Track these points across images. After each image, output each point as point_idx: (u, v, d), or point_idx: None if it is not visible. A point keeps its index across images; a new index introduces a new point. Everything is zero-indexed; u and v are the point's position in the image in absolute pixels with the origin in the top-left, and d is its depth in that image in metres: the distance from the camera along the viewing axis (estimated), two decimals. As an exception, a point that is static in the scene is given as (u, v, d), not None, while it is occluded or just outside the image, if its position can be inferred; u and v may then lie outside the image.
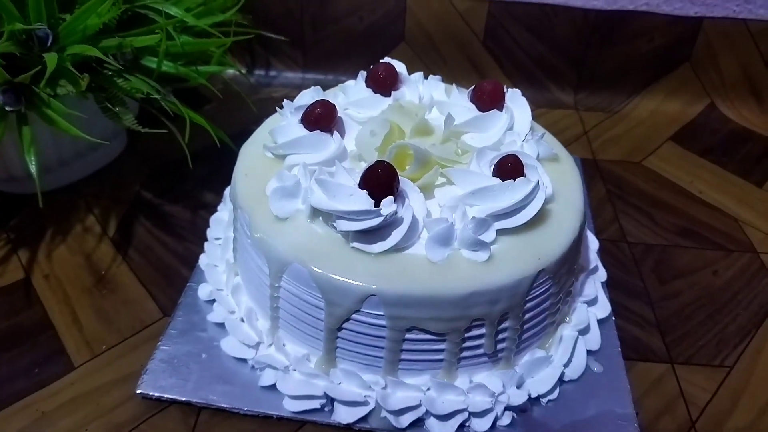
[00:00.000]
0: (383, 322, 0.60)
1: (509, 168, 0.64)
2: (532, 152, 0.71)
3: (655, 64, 1.18)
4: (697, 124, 1.18)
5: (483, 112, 0.75)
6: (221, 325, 0.71)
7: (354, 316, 0.61)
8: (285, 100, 0.74)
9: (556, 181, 0.69)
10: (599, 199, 0.99)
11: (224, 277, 0.75)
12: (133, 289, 0.79)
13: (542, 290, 0.64)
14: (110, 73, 0.78)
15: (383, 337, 0.61)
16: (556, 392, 0.68)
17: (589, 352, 0.72)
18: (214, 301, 0.73)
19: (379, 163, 0.61)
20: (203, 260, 0.78)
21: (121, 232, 0.87)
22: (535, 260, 0.62)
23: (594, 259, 0.80)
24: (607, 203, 0.98)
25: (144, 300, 0.77)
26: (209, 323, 0.72)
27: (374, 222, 0.59)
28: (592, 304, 0.76)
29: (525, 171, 0.65)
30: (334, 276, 0.59)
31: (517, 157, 0.65)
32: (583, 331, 0.73)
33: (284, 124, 0.72)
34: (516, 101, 0.77)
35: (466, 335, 0.62)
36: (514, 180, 0.63)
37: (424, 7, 1.16)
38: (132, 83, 0.76)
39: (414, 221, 0.61)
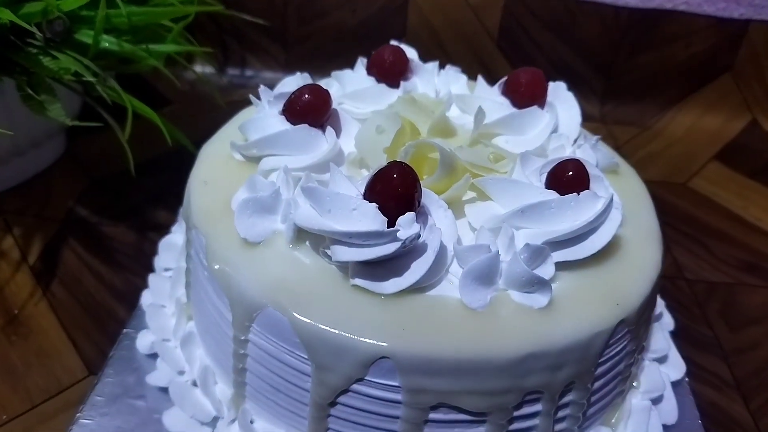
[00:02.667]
0: (398, 397, 0.41)
1: (570, 178, 0.47)
2: (589, 159, 0.54)
3: (692, 73, 1.03)
4: (740, 142, 1.02)
5: (519, 108, 0.58)
6: (165, 391, 0.51)
7: (354, 386, 0.41)
8: (262, 86, 0.55)
9: (623, 199, 0.52)
10: (644, 226, 0.81)
11: (173, 321, 0.55)
12: (51, 335, 0.59)
13: (619, 348, 0.46)
14: (34, 50, 0.59)
15: (397, 417, 0.42)
16: (628, 487, 0.49)
17: (664, 426, 0.54)
18: (157, 355, 0.54)
19: (394, 165, 0.42)
20: (146, 298, 0.58)
21: (44, 258, 0.67)
22: (612, 306, 0.44)
23: (658, 303, 0.62)
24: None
25: (65, 351, 0.58)
26: (149, 387, 0.52)
27: (387, 249, 0.40)
28: (662, 361, 0.58)
29: (590, 183, 0.47)
30: (326, 328, 0.40)
31: (579, 162, 0.47)
32: (657, 400, 0.54)
33: (260, 115, 0.53)
34: (561, 96, 0.61)
35: (515, 414, 0.43)
36: (578, 194, 0.46)
37: (430, 0, 1.00)
38: (60, 62, 0.57)
39: (442, 249, 0.43)
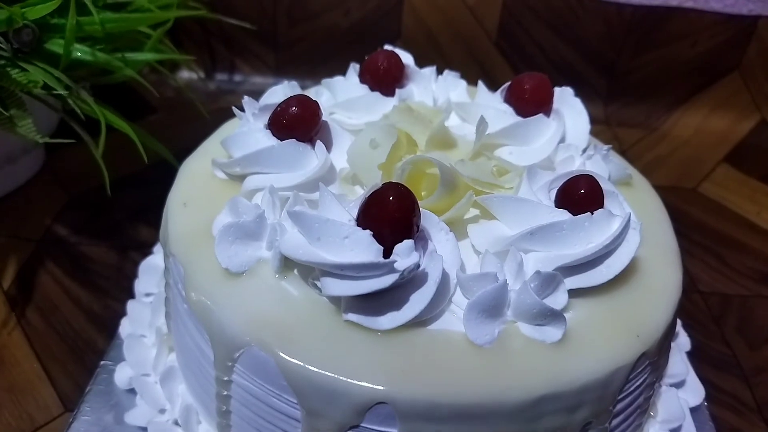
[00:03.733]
0: (397, 444, 0.37)
1: (582, 195, 0.43)
2: (601, 172, 0.50)
3: (698, 72, 0.99)
4: (749, 143, 0.98)
5: (524, 117, 0.54)
6: (146, 430, 0.47)
7: (349, 433, 0.37)
8: (246, 97, 0.51)
9: (638, 214, 0.48)
10: (654, 235, 0.78)
11: (153, 353, 0.51)
12: (25, 368, 0.55)
13: (639, 381, 0.42)
14: (1, 61, 0.55)
15: (396, 465, 0.38)
16: None
17: (684, 459, 0.50)
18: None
19: (389, 187, 0.38)
20: (125, 328, 0.54)
21: (19, 282, 0.63)
22: (632, 338, 0.40)
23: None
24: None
25: (39, 385, 0.54)
26: (129, 426, 0.48)
27: (383, 282, 0.36)
28: (680, 386, 0.54)
29: (605, 201, 0.43)
30: (316, 370, 0.36)
31: (592, 178, 0.43)
32: (675, 430, 0.50)
33: (243, 130, 0.49)
34: (567, 103, 0.57)
35: (527, 459, 0.39)
36: (592, 213, 0.42)
37: (425, 0, 0.95)
38: (30, 74, 0.53)
39: (444, 278, 0.39)
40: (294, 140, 0.47)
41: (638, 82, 1.00)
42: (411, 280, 0.38)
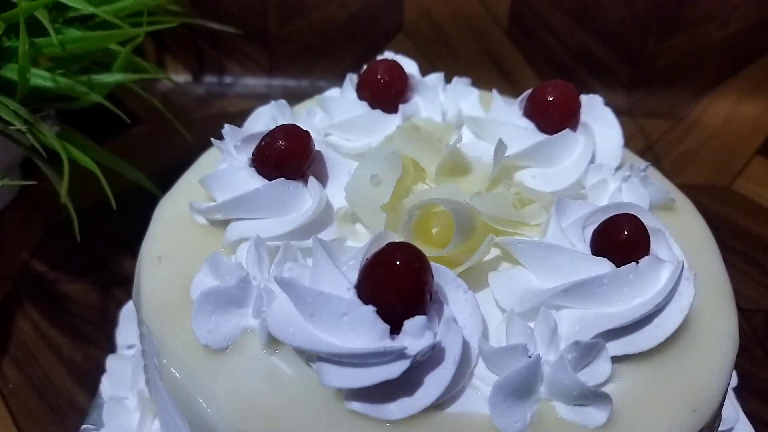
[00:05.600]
0: None
1: (625, 239, 0.36)
2: (641, 199, 0.43)
3: (728, 55, 0.92)
4: (785, 131, 0.91)
5: (547, 133, 0.47)
6: None
7: None
8: (227, 125, 0.44)
9: (684, 246, 0.41)
10: (687, 244, 0.71)
11: (137, 419, 0.45)
12: (-1, 432, 0.49)
13: (694, 459, 0.36)
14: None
15: None
16: None
17: None
18: (120, 463, 0.44)
19: (395, 250, 0.32)
20: (105, 388, 0.48)
21: (-6, 329, 0.57)
22: (687, 413, 0.34)
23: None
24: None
25: (13, 455, 0.48)
26: (111, 506, 0.43)
27: (392, 372, 0.30)
28: (729, 431, 0.48)
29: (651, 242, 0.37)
30: (316, 471, 0.30)
31: (635, 218, 0.37)
32: (730, 489, 0.44)
33: (225, 167, 0.43)
34: (596, 113, 0.50)
35: None
36: (638, 262, 0.35)
37: (428, -12, 0.88)
38: (-18, 106, 0.47)
39: (465, 351, 0.33)
40: (283, 179, 0.40)
41: (663, 68, 0.92)
42: (426, 359, 0.32)
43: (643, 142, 0.86)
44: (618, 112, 0.95)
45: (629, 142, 0.86)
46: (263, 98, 0.91)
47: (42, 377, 0.53)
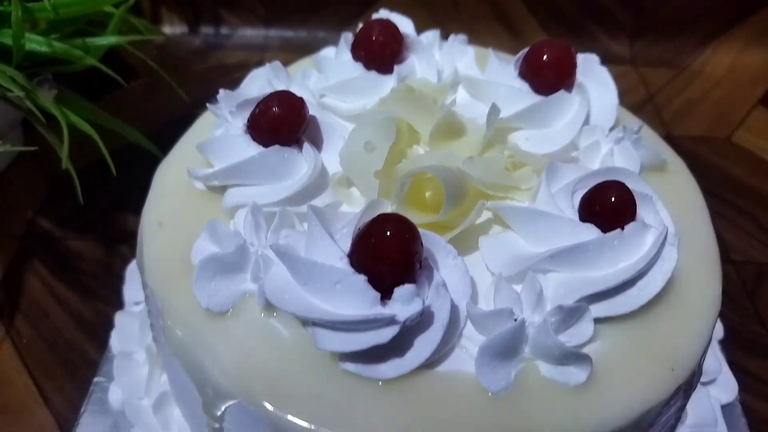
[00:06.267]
0: (405, 500, 0.34)
1: (612, 205, 0.37)
2: (631, 162, 0.44)
3: (733, 4, 0.89)
4: (788, 81, 0.90)
5: (542, 94, 0.47)
6: (143, 458, 0.45)
7: (353, 489, 0.34)
8: (221, 90, 0.45)
9: (673, 212, 0.42)
10: (683, 197, 0.72)
11: (145, 372, 0.48)
12: (18, 386, 0.52)
13: (671, 411, 0.38)
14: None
15: None
16: None
17: (715, 464, 0.47)
18: (132, 413, 0.47)
19: (386, 221, 0.33)
20: (115, 342, 0.51)
21: (6, 287, 0.59)
22: (666, 373, 0.36)
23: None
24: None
25: (33, 405, 0.51)
26: (125, 453, 0.46)
27: (382, 336, 0.32)
28: (711, 382, 0.50)
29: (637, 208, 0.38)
30: (310, 426, 0.33)
31: (622, 185, 0.37)
32: (707, 434, 0.47)
33: (221, 133, 0.43)
34: (592, 73, 0.50)
35: (547, 502, 0.36)
36: (623, 229, 0.36)
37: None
38: (-22, 71, 0.47)
39: (453, 314, 0.34)
40: (278, 146, 0.41)
41: (667, 15, 0.90)
42: (416, 323, 0.33)
43: (644, 93, 0.85)
44: (620, 62, 0.94)
45: (630, 93, 0.86)
46: (260, 49, 0.91)
47: (54, 332, 0.56)
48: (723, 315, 0.57)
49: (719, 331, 0.55)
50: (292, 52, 0.90)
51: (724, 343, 0.55)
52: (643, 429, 0.35)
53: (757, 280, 0.64)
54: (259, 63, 0.87)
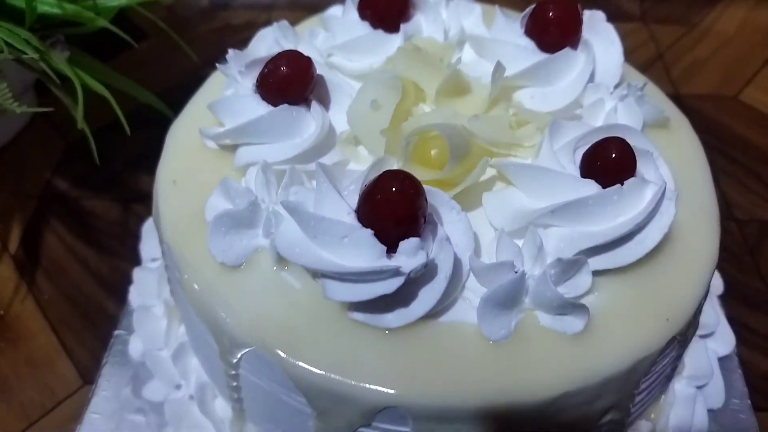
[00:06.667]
0: (411, 440, 0.36)
1: (612, 162, 0.38)
2: (634, 119, 0.44)
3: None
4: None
5: (547, 52, 0.47)
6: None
7: (362, 430, 0.36)
8: (230, 50, 0.46)
9: (674, 168, 0.43)
10: (689, 156, 0.72)
11: (164, 324, 0.50)
12: (41, 339, 0.55)
13: (666, 361, 0.40)
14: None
15: (411, 456, 0.38)
16: (669, 486, 0.45)
17: (709, 411, 0.49)
18: (152, 363, 0.49)
19: (391, 177, 0.34)
20: (134, 297, 0.53)
21: (25, 245, 0.61)
22: (660, 323, 0.37)
23: (707, 264, 0.55)
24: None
25: (56, 358, 0.54)
26: (147, 401, 0.48)
27: (388, 287, 0.33)
28: (709, 335, 0.52)
29: (637, 163, 0.39)
30: (320, 372, 0.35)
31: (623, 141, 0.38)
32: (703, 384, 0.49)
33: (231, 93, 0.44)
34: (598, 30, 0.50)
35: (546, 444, 0.38)
36: (622, 184, 0.37)
37: None
38: (-8, 34, 0.48)
39: (456, 265, 0.36)
40: (286, 105, 0.42)
41: (678, -30, 0.88)
42: (420, 275, 0.35)
43: (653, 50, 0.85)
44: (630, 19, 0.93)
45: (639, 51, 0.86)
46: (267, 9, 0.91)
47: (73, 288, 0.58)
48: (724, 271, 0.58)
49: (719, 286, 0.56)
50: (299, 11, 0.90)
51: (724, 298, 0.56)
52: (638, 377, 0.37)
53: (759, 237, 0.64)
54: (267, 23, 0.87)
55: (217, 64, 0.46)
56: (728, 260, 0.62)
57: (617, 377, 0.36)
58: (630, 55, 0.89)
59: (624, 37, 0.94)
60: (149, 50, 0.82)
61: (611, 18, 0.87)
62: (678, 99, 0.78)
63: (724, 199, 0.68)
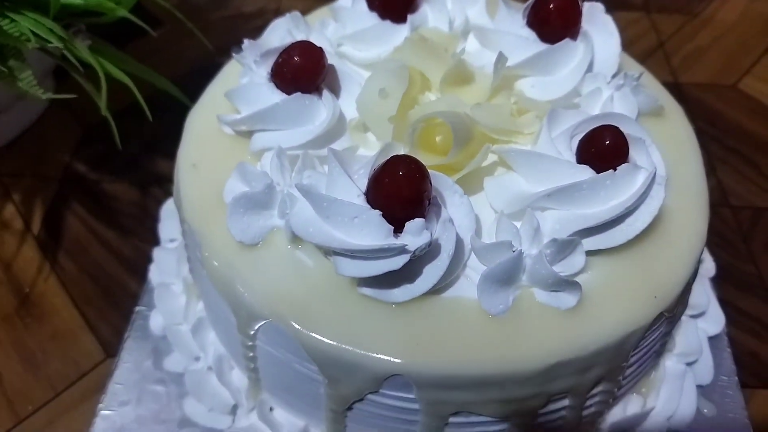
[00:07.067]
0: (415, 406, 0.39)
1: (606, 148, 0.40)
2: (629, 108, 0.47)
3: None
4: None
5: (548, 43, 0.49)
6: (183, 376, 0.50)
7: (369, 396, 0.39)
8: (246, 41, 0.48)
9: (666, 154, 0.45)
10: (686, 143, 0.74)
11: (183, 301, 0.53)
12: (65, 316, 0.58)
13: (655, 335, 0.42)
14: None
15: (416, 421, 0.41)
16: (658, 455, 0.48)
17: (698, 387, 0.51)
18: (171, 337, 0.52)
19: (398, 162, 0.37)
20: (154, 275, 0.56)
21: (47, 226, 0.64)
22: (649, 300, 0.40)
23: (699, 247, 0.58)
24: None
25: (80, 333, 0.57)
26: (168, 372, 0.51)
27: (395, 264, 0.36)
28: (700, 315, 0.54)
29: (630, 150, 0.41)
30: (332, 343, 0.37)
31: (617, 129, 0.41)
32: (693, 361, 0.51)
33: (246, 81, 0.47)
34: (597, 21, 0.51)
35: (540, 412, 0.41)
36: (615, 170, 0.39)
37: None
38: (19, 25, 0.50)
39: (459, 245, 0.38)
40: (299, 93, 0.44)
41: (681, -41, 0.90)
42: (424, 253, 0.37)
43: (654, 40, 0.86)
44: (633, 8, 0.94)
45: (641, 40, 0.87)
46: (277, -3, 0.92)
47: (95, 267, 0.61)
48: (717, 255, 0.61)
49: (711, 269, 0.58)
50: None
51: (717, 281, 0.59)
52: (627, 350, 0.40)
53: (752, 223, 0.67)
54: (277, 10, 0.89)
55: (233, 54, 0.48)
56: (722, 245, 0.64)
57: (607, 350, 0.38)
58: (632, 45, 0.91)
59: (626, 27, 0.96)
60: (163, 37, 0.85)
61: (614, 8, 0.90)
62: (677, 87, 0.81)
63: (720, 187, 0.70)
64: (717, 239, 0.65)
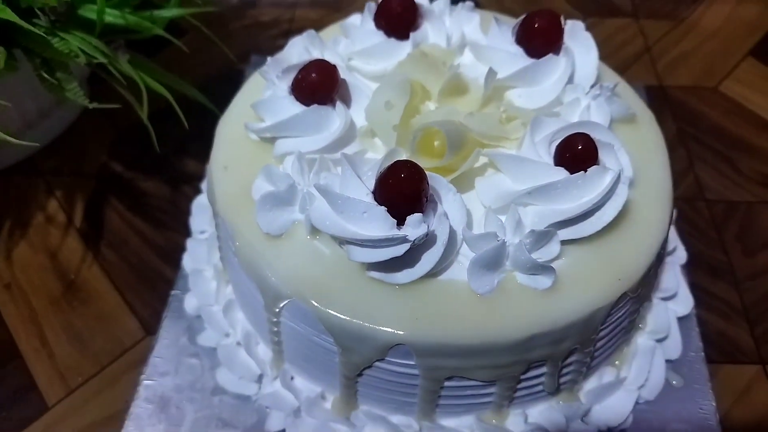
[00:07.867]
0: (415, 371, 0.46)
1: (578, 153, 0.47)
2: (603, 116, 0.53)
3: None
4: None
5: (534, 57, 0.56)
6: (216, 349, 0.58)
7: (377, 363, 0.47)
8: (269, 58, 0.55)
9: (635, 157, 0.52)
10: (669, 142, 0.80)
11: (214, 285, 0.60)
12: (108, 299, 0.65)
13: (621, 313, 0.49)
14: (41, 30, 0.59)
15: (416, 385, 0.48)
16: (630, 419, 0.55)
17: (667, 361, 0.58)
18: (204, 316, 0.60)
19: (401, 166, 0.44)
20: (187, 262, 0.63)
21: (88, 219, 0.72)
22: (614, 281, 0.46)
23: (672, 237, 0.64)
24: (680, 147, 0.80)
25: (122, 314, 0.64)
26: (201, 346, 0.59)
27: (398, 251, 0.43)
28: (671, 298, 0.61)
29: (599, 154, 0.48)
30: (345, 317, 0.45)
31: (587, 136, 0.47)
32: (662, 338, 0.58)
33: (270, 94, 0.54)
34: (577, 39, 0.58)
35: (522, 377, 0.48)
36: (586, 171, 0.46)
37: None
38: (68, 43, 0.58)
39: (452, 235, 0.45)
40: (316, 105, 0.51)
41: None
42: (422, 242, 0.44)
43: (641, 44, 0.92)
44: (622, 14, 1.00)
45: (628, 45, 0.93)
46: (291, 6, 0.99)
47: (134, 256, 0.68)
48: (691, 245, 0.67)
49: (683, 257, 0.65)
50: (321, 9, 0.99)
51: (689, 268, 0.65)
52: (596, 324, 0.47)
53: (725, 215, 0.73)
54: (291, 20, 0.96)
55: (258, 71, 0.55)
56: (695, 236, 0.71)
57: (577, 324, 0.45)
58: (619, 50, 0.98)
59: (616, 33, 1.03)
60: (187, 46, 0.92)
61: (602, 13, 0.97)
62: (662, 90, 0.87)
63: (697, 183, 0.77)
64: (692, 230, 0.71)
